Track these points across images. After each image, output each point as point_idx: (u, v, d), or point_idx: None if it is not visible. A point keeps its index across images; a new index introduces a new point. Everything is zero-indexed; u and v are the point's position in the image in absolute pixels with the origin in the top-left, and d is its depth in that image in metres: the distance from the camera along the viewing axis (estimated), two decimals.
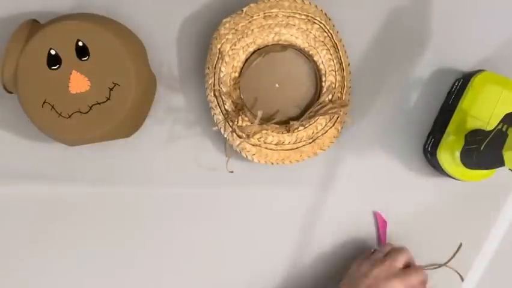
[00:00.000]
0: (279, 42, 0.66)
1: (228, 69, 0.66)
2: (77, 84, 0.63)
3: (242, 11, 0.66)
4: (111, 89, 0.63)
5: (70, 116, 0.63)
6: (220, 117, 0.67)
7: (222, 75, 0.66)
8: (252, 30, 0.66)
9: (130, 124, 0.67)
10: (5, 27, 0.66)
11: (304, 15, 0.66)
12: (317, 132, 0.68)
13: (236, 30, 0.66)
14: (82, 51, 0.63)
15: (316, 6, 0.67)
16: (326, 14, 0.67)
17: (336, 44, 0.67)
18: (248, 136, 0.65)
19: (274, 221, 0.71)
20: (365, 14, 0.70)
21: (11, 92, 0.65)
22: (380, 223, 0.71)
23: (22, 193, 0.70)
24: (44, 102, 0.63)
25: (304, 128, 0.67)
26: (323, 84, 0.67)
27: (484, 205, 0.71)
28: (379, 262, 0.65)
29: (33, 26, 0.64)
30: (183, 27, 0.70)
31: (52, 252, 0.71)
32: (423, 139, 0.71)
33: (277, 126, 0.67)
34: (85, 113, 0.63)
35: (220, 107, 0.67)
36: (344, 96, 0.67)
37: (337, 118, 0.68)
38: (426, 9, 0.70)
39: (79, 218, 0.71)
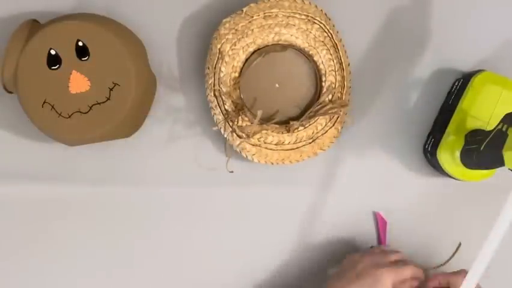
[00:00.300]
0: (279, 42, 0.66)
1: (228, 69, 0.66)
2: (77, 84, 0.63)
3: (242, 11, 0.66)
4: (111, 89, 0.63)
5: (70, 116, 0.63)
6: (220, 117, 0.67)
7: (222, 75, 0.66)
8: (252, 30, 0.66)
9: (130, 124, 0.67)
10: (5, 27, 0.66)
11: (304, 15, 0.66)
12: (317, 132, 0.68)
13: (236, 30, 0.66)
14: (82, 51, 0.63)
15: (316, 6, 0.67)
16: (326, 14, 0.67)
17: (336, 44, 0.67)
18: (248, 136, 0.65)
19: (274, 221, 0.71)
20: (365, 14, 0.70)
21: (11, 92, 0.65)
22: (380, 223, 0.71)
23: (22, 193, 0.70)
24: (44, 102, 0.63)
25: (304, 128, 0.67)
26: (323, 84, 0.67)
27: (484, 205, 0.71)
28: (370, 252, 0.65)
29: (33, 26, 0.64)
30: (183, 27, 0.70)
31: (52, 252, 0.71)
32: (423, 139, 0.71)
33: (277, 126, 0.67)
34: (85, 113, 0.63)
35: (220, 107, 0.67)
36: (344, 96, 0.67)
37: (337, 118, 0.68)
38: (426, 9, 0.70)
39: (79, 218, 0.71)
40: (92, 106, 0.63)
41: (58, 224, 0.71)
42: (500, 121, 0.59)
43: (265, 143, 0.67)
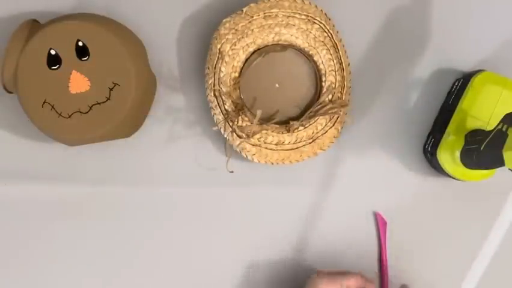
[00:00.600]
0: (279, 42, 0.66)
1: (228, 69, 0.66)
2: (77, 84, 0.63)
3: (242, 11, 0.66)
4: (111, 89, 0.63)
5: (70, 116, 0.63)
6: (220, 117, 0.67)
7: (222, 75, 0.66)
8: (252, 30, 0.66)
9: (130, 124, 0.67)
10: (5, 27, 0.66)
11: (304, 15, 0.66)
12: (317, 132, 0.68)
13: (236, 30, 0.66)
14: (82, 51, 0.63)
15: (316, 6, 0.67)
16: (326, 14, 0.67)
17: (336, 44, 0.67)
18: (248, 136, 0.65)
19: (274, 221, 0.71)
20: (365, 14, 0.70)
21: (11, 92, 0.65)
22: (380, 223, 0.71)
23: (22, 193, 0.70)
24: (44, 102, 0.63)
25: (304, 128, 0.67)
26: (323, 84, 0.67)
27: (484, 205, 0.71)
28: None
29: (33, 26, 0.64)
30: (183, 27, 0.70)
31: (52, 252, 0.71)
32: (423, 139, 0.71)
33: (277, 126, 0.67)
34: (85, 113, 0.63)
35: (220, 107, 0.67)
36: (344, 96, 0.67)
37: (337, 118, 0.68)
38: (426, 9, 0.70)
39: (79, 218, 0.71)
40: (92, 106, 0.63)
41: (58, 224, 0.71)
42: (500, 121, 0.59)
43: (265, 143, 0.67)
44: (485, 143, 0.60)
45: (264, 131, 0.66)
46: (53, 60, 0.63)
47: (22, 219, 0.70)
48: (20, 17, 0.67)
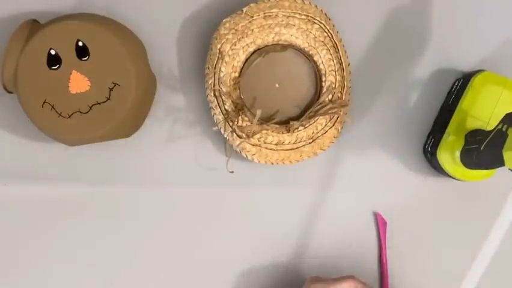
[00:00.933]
0: (279, 42, 0.66)
1: (228, 69, 0.66)
2: (77, 84, 0.63)
3: (242, 11, 0.66)
4: (111, 89, 0.63)
5: (70, 116, 0.63)
6: (220, 117, 0.67)
7: (222, 75, 0.66)
8: (252, 30, 0.66)
9: (130, 124, 0.67)
10: (5, 27, 0.66)
11: (304, 15, 0.66)
12: (317, 132, 0.68)
13: (236, 30, 0.66)
14: (82, 51, 0.63)
15: (316, 6, 0.67)
16: (326, 14, 0.67)
17: (336, 44, 0.67)
18: (248, 136, 0.65)
19: (274, 221, 0.71)
20: (365, 14, 0.70)
21: (11, 92, 0.65)
22: (380, 223, 0.71)
23: (22, 193, 0.70)
24: (44, 102, 0.63)
25: (304, 128, 0.67)
26: (323, 84, 0.67)
27: (484, 205, 0.71)
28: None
29: (33, 26, 0.64)
30: (183, 27, 0.70)
31: (52, 252, 0.71)
32: (423, 139, 0.71)
33: (277, 126, 0.67)
34: (85, 113, 0.63)
35: (220, 107, 0.67)
36: (344, 96, 0.67)
37: (337, 118, 0.68)
38: (426, 9, 0.70)
39: (79, 218, 0.71)
40: (92, 106, 0.63)
41: (58, 223, 0.71)
42: (500, 121, 0.59)
43: (265, 143, 0.67)
44: (485, 143, 0.59)
45: (264, 131, 0.66)
46: (53, 60, 0.63)
47: (22, 219, 0.70)
48: (20, 17, 0.67)
